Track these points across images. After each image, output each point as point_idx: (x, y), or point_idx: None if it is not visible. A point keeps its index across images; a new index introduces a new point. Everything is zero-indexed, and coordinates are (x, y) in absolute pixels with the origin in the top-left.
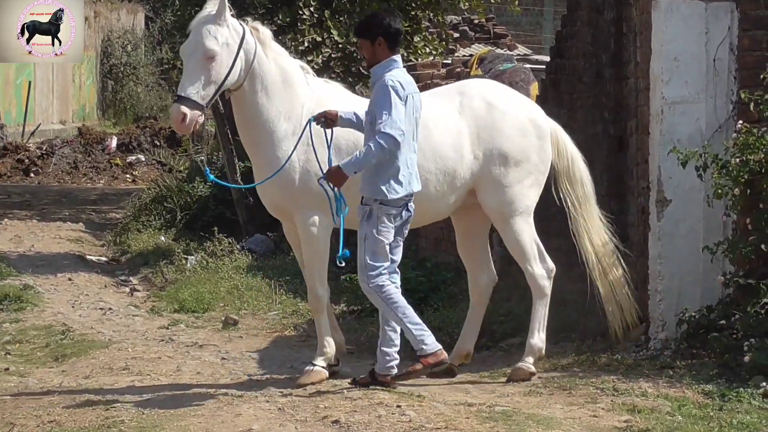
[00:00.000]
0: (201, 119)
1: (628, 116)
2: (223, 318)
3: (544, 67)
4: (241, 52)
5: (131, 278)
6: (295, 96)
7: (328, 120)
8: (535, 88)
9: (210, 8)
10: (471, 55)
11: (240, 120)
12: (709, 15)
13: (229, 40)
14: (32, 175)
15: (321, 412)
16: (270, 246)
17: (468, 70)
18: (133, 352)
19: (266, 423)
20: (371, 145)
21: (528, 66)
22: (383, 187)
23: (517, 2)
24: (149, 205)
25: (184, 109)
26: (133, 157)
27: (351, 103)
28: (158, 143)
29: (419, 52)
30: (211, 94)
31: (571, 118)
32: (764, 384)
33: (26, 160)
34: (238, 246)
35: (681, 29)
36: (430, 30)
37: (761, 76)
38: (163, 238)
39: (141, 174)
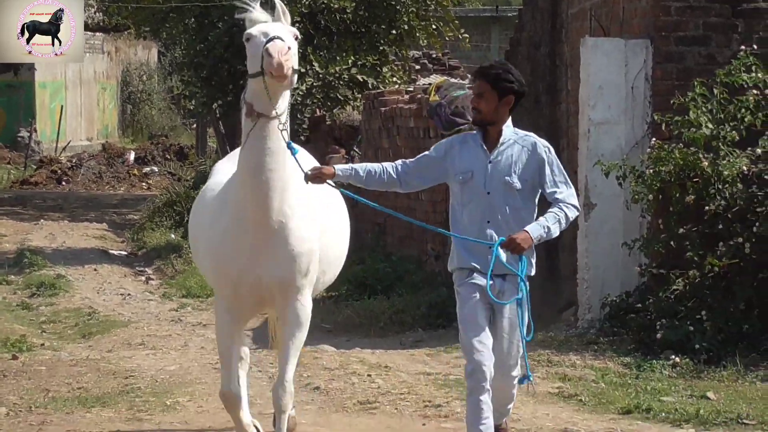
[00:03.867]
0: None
1: (560, 135)
2: None
3: None
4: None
5: (147, 269)
6: None
7: (323, 176)
8: None
9: (261, 14)
10: (430, 84)
11: (261, 155)
12: (628, 50)
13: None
14: (64, 183)
15: (304, 380)
16: None
17: (427, 96)
18: (147, 330)
19: (258, 389)
20: (560, 215)
21: None
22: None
23: (468, 40)
24: (161, 209)
25: (284, 44)
26: (148, 169)
27: None
28: (169, 157)
29: (387, 81)
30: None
31: None
32: (673, 357)
33: (59, 171)
34: None
35: (604, 62)
36: (395, 63)
37: (671, 101)
38: (173, 236)
39: (154, 182)
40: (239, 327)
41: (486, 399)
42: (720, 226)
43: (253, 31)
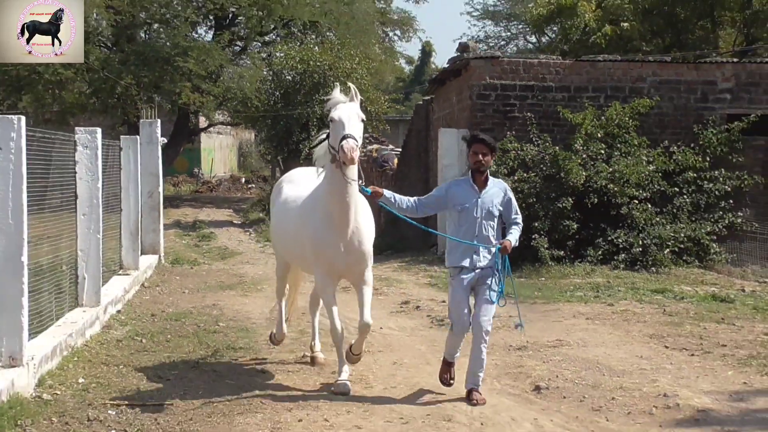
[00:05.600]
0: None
1: (430, 171)
2: None
3: (400, 151)
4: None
5: (250, 229)
6: None
7: (376, 194)
8: (396, 161)
9: (341, 96)
10: (372, 148)
11: (344, 192)
12: (459, 133)
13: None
14: (213, 192)
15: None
16: None
17: (371, 154)
18: (249, 257)
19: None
20: (519, 231)
21: (394, 152)
22: None
23: (389, 129)
24: (256, 203)
25: (356, 143)
26: (250, 185)
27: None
28: (259, 180)
29: None
30: (360, 143)
31: (410, 172)
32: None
33: (211, 187)
34: None
35: (448, 139)
36: None
37: None
38: (261, 215)
39: (253, 192)
40: (334, 287)
41: (460, 346)
42: None
43: (335, 116)
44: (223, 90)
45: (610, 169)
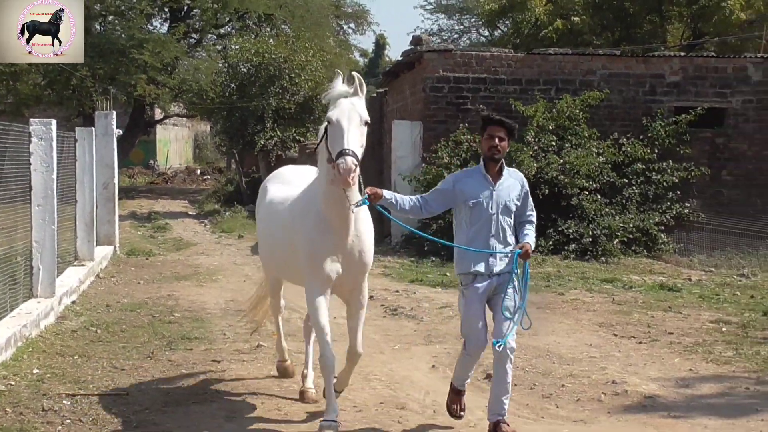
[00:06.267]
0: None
1: (384, 162)
2: (238, 235)
3: None
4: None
5: (205, 220)
6: None
7: (375, 197)
8: None
9: (343, 87)
10: None
11: (343, 200)
12: (412, 126)
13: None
14: (169, 183)
15: None
16: (252, 208)
17: None
18: (204, 248)
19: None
20: (534, 229)
21: None
22: None
23: None
24: (211, 194)
25: (355, 162)
26: (206, 177)
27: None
28: (214, 171)
29: (308, 139)
30: (360, 155)
31: (364, 164)
32: (433, 258)
33: (167, 178)
34: (244, 208)
35: (402, 130)
36: (314, 131)
37: (431, 148)
38: (216, 206)
39: (208, 183)
40: (327, 304)
41: (474, 367)
42: None
43: (333, 117)
44: (178, 82)
45: (561, 161)
